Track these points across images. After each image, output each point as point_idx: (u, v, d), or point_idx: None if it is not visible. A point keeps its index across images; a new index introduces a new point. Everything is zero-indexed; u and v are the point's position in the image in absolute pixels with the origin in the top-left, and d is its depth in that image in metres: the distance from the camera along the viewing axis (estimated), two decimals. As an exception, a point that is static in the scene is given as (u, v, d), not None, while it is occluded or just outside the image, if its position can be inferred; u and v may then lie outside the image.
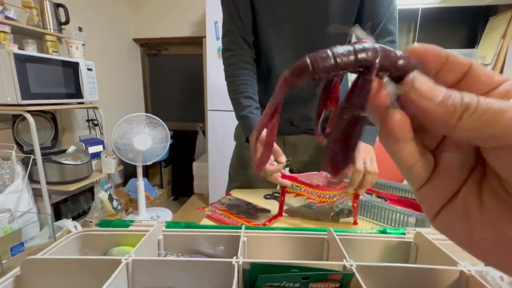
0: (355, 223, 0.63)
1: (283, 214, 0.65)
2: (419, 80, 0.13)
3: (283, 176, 0.61)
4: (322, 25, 0.67)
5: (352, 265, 0.28)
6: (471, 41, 2.33)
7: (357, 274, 0.26)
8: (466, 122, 0.12)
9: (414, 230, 0.38)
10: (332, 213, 0.64)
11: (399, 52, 0.14)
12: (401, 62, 0.14)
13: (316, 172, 0.63)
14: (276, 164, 0.61)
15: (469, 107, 0.12)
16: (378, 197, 0.73)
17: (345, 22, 0.68)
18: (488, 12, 2.21)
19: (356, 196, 0.61)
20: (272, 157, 0.62)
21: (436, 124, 0.13)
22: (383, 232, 0.40)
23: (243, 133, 0.73)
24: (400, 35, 2.31)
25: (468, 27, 2.33)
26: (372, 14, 0.68)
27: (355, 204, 0.62)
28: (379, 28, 0.68)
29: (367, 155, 0.62)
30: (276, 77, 0.74)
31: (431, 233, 0.36)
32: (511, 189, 0.12)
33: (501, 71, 2.13)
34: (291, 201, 0.69)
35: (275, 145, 0.62)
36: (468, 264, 0.30)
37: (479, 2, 2.09)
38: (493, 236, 0.13)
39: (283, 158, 0.61)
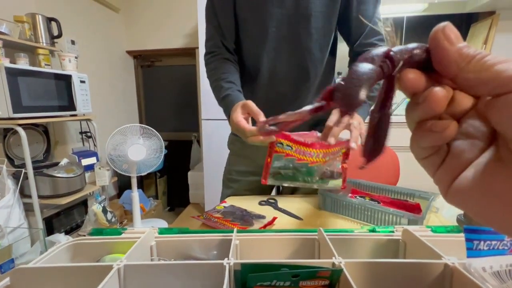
0: (343, 187, 0.60)
1: (268, 180, 0.59)
2: (449, 27, 0.16)
3: (276, 134, 0.55)
4: (304, 26, 0.70)
5: (340, 262, 0.28)
6: (455, 47, 2.41)
7: (345, 270, 0.27)
8: (471, 66, 0.15)
9: (402, 227, 0.39)
10: (321, 175, 0.60)
11: (411, 45, 0.17)
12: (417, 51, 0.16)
13: (307, 132, 0.59)
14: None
15: (477, 57, 0.15)
16: (371, 199, 0.74)
17: (326, 23, 0.71)
18: (469, 20, 2.30)
19: (345, 156, 0.58)
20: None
21: (448, 64, 0.15)
22: (373, 231, 0.40)
23: (225, 112, 0.69)
24: (386, 43, 2.37)
25: (451, 34, 2.42)
26: (359, 16, 0.72)
27: (344, 165, 0.59)
28: (368, 28, 0.72)
29: (355, 117, 0.60)
30: (263, 76, 0.76)
31: (418, 230, 0.37)
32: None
33: (485, 75, 2.20)
34: (277, 164, 0.59)
35: (254, 106, 0.58)
36: (454, 258, 0.31)
37: (461, 10, 2.19)
38: (487, 192, 0.15)
39: (263, 117, 0.57)
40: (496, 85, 0.14)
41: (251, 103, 0.59)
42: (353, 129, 0.55)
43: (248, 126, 0.57)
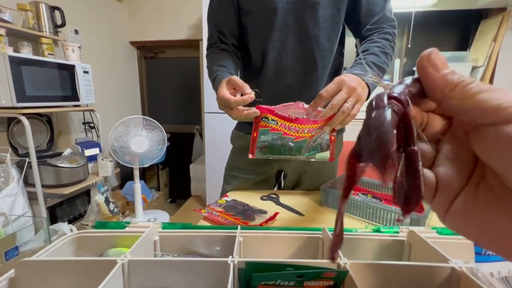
0: (331, 159, 0.59)
1: (256, 154, 0.57)
2: (435, 53, 0.16)
3: (258, 107, 0.54)
4: (312, 15, 0.69)
5: (346, 263, 0.28)
6: (463, 44, 2.37)
7: (350, 272, 0.27)
8: (455, 93, 0.15)
9: (407, 228, 0.38)
10: (309, 148, 0.58)
11: (406, 81, 0.17)
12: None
13: (292, 103, 0.56)
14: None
15: (460, 84, 0.15)
16: (374, 197, 0.74)
17: (334, 11, 0.70)
18: (479, 16, 2.25)
19: (333, 129, 0.57)
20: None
21: (433, 90, 0.16)
22: (377, 231, 0.40)
23: (216, 91, 0.66)
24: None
25: (460, 30, 2.37)
26: (369, 7, 0.71)
27: (333, 137, 0.58)
28: (380, 15, 0.71)
29: (353, 94, 0.54)
30: (268, 68, 0.75)
31: (424, 232, 0.37)
32: (506, 173, 0.14)
33: (493, 74, 2.17)
34: (264, 138, 0.59)
35: (239, 80, 0.57)
36: (460, 261, 0.31)
37: (471, 5, 2.13)
38: (482, 221, 0.15)
39: (248, 89, 0.55)
40: (478, 115, 0.14)
41: (235, 77, 0.58)
42: (340, 113, 0.52)
43: (232, 96, 0.56)
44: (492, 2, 2.00)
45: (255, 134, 0.55)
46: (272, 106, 0.54)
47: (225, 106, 0.59)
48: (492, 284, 0.26)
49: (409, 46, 2.39)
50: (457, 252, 0.34)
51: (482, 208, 0.15)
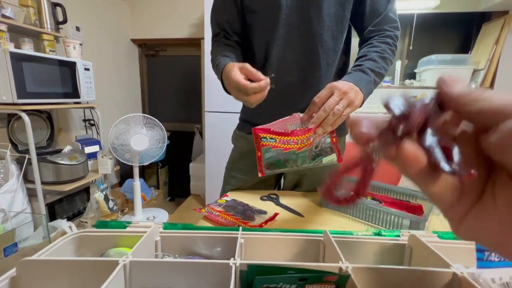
0: (339, 160, 0.59)
1: (264, 171, 0.57)
2: (451, 77, 0.16)
3: (254, 129, 0.55)
4: (316, 12, 0.68)
5: (347, 267, 0.28)
6: (465, 47, 2.37)
7: (352, 276, 0.27)
8: (471, 98, 0.14)
9: (409, 232, 0.38)
10: (313, 155, 0.58)
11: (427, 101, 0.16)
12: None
13: (288, 117, 0.57)
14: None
15: (475, 92, 0.14)
16: (373, 199, 0.74)
17: (338, 10, 0.70)
18: (481, 19, 2.25)
19: (331, 131, 0.57)
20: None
21: (450, 101, 0.15)
22: (378, 234, 0.40)
23: (218, 75, 0.67)
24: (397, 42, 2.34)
25: (462, 33, 2.37)
26: (373, 7, 0.71)
27: (334, 139, 0.58)
28: (383, 15, 0.71)
29: (345, 97, 0.55)
30: (271, 66, 0.74)
31: (425, 236, 0.37)
32: None
33: (494, 77, 2.17)
34: (268, 155, 0.59)
35: (252, 68, 0.56)
36: (461, 266, 0.31)
37: (473, 8, 2.13)
38: (507, 219, 0.14)
39: (262, 75, 0.55)
40: (493, 113, 0.13)
41: (247, 65, 0.57)
42: (331, 115, 0.53)
43: (249, 82, 0.55)
44: (494, 5, 2.00)
45: (259, 154, 0.56)
46: (268, 124, 0.56)
47: (239, 91, 0.58)
48: (494, 290, 0.26)
49: (411, 48, 2.39)
50: (458, 256, 0.34)
51: (506, 210, 0.14)
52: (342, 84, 0.56)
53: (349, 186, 0.18)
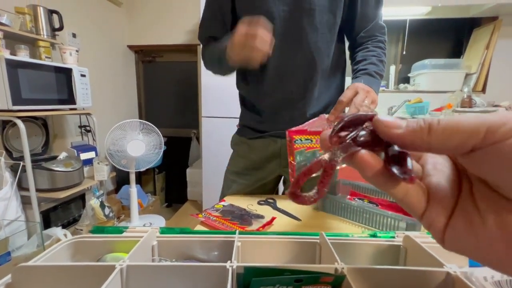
0: None
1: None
2: (382, 117, 0.16)
3: (290, 131, 0.54)
4: (309, 21, 0.70)
5: (343, 268, 0.28)
6: (457, 51, 2.42)
7: (348, 277, 0.27)
8: (436, 134, 0.14)
9: (403, 233, 0.39)
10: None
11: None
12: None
13: (315, 119, 0.59)
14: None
15: (433, 123, 0.14)
16: (370, 202, 0.74)
17: (330, 17, 0.72)
18: (472, 24, 2.30)
19: None
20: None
21: (415, 145, 0.15)
22: (374, 236, 0.41)
23: (220, 50, 0.66)
24: (389, 45, 2.39)
25: (454, 38, 2.42)
26: (364, 15, 0.75)
27: None
28: (373, 22, 0.75)
29: (369, 95, 0.61)
30: (269, 74, 0.75)
31: (420, 237, 0.37)
32: (499, 187, 0.14)
33: (486, 80, 2.21)
34: (299, 159, 0.57)
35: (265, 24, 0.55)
36: (454, 266, 0.32)
37: (464, 14, 2.19)
38: (496, 231, 0.14)
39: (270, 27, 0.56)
40: (470, 145, 0.13)
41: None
42: (352, 107, 0.57)
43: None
44: (484, 11, 2.05)
45: (291, 158, 0.55)
46: (300, 126, 0.56)
47: (245, 45, 0.57)
48: (486, 288, 0.26)
49: (404, 53, 2.44)
50: (452, 256, 0.34)
51: (487, 213, 0.14)
52: (363, 85, 0.62)
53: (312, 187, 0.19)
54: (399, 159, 0.16)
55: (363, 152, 0.17)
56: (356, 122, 0.17)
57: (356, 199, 0.77)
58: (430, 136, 0.14)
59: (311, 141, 0.54)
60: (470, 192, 0.15)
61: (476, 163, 0.14)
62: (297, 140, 0.54)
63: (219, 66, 0.75)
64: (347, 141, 0.17)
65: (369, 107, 0.58)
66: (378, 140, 0.17)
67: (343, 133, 0.17)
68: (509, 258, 0.14)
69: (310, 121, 0.59)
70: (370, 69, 0.70)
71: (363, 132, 0.17)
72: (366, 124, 0.17)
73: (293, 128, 0.55)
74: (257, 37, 0.55)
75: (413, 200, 0.16)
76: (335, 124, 0.18)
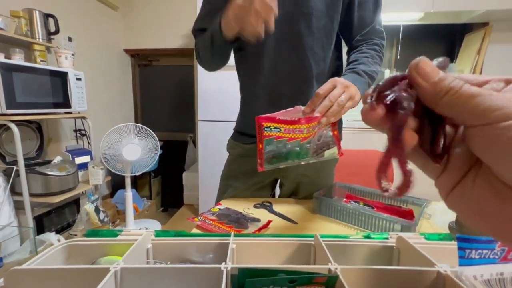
0: (340, 154, 0.59)
1: (265, 166, 0.55)
2: (423, 63, 0.16)
3: (259, 118, 0.53)
4: (306, 25, 0.71)
5: (336, 268, 0.29)
6: (449, 56, 2.46)
7: (341, 277, 0.28)
8: (445, 100, 0.15)
9: (397, 235, 0.39)
10: (315, 148, 0.58)
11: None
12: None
13: (290, 108, 0.57)
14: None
15: (452, 90, 0.15)
16: (365, 205, 0.75)
17: (327, 22, 0.73)
18: (464, 30, 2.35)
19: (333, 124, 0.58)
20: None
21: (424, 99, 0.16)
22: (368, 237, 0.41)
23: (215, 30, 0.64)
24: (384, 50, 2.42)
25: (446, 43, 2.47)
26: (361, 19, 0.75)
27: (335, 132, 0.59)
28: (370, 27, 0.76)
29: (347, 90, 0.59)
30: (264, 75, 0.76)
31: (412, 238, 0.38)
32: (494, 168, 0.15)
33: (478, 84, 2.25)
34: (270, 148, 0.56)
35: None
36: (446, 265, 0.32)
37: (456, 20, 2.24)
38: (477, 207, 0.16)
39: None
40: (464, 119, 0.15)
41: None
42: (335, 105, 0.55)
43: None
44: (474, 17, 2.10)
45: (260, 146, 0.54)
46: (273, 113, 0.54)
47: (244, 7, 0.53)
48: (475, 287, 0.27)
49: (398, 57, 2.48)
50: (443, 257, 0.35)
51: (477, 196, 0.16)
52: (343, 79, 0.59)
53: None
54: (433, 132, 0.17)
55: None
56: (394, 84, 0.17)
57: (352, 201, 0.77)
58: (441, 100, 0.15)
59: (280, 130, 0.53)
60: (477, 171, 0.16)
61: (470, 138, 0.15)
62: (266, 127, 0.53)
63: (212, 47, 0.70)
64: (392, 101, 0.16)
65: (344, 103, 0.56)
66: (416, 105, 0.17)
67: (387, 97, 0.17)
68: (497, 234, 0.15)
69: (284, 110, 0.56)
70: (358, 68, 0.70)
71: (404, 94, 0.16)
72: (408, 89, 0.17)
73: (263, 115, 0.53)
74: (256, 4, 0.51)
75: (433, 167, 0.18)
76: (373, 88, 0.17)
